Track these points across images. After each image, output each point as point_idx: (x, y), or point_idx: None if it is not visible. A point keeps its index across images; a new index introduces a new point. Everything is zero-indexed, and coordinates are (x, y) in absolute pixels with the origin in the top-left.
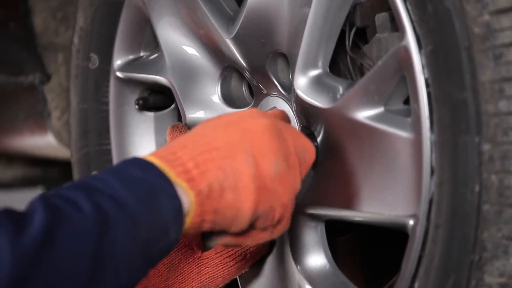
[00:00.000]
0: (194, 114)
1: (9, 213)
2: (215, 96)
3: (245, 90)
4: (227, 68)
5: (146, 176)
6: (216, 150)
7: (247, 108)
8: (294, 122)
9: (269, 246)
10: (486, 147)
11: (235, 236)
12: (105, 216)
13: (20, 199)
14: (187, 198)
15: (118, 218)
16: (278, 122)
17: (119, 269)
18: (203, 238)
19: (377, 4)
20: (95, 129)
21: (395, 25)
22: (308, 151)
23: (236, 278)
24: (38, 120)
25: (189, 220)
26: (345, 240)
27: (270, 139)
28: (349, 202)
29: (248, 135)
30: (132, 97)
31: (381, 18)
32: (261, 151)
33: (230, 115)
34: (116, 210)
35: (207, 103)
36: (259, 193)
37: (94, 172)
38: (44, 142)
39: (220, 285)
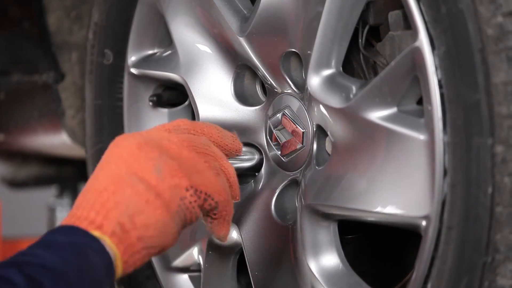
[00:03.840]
0: (207, 111)
1: None
2: (228, 94)
3: (258, 88)
4: (240, 66)
5: (71, 239)
6: (105, 191)
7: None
8: (307, 121)
9: None
10: (499, 149)
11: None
12: (40, 286)
13: (34, 198)
14: (107, 244)
15: (53, 285)
16: (151, 133)
17: None
18: None
19: (390, 1)
20: (110, 125)
21: (408, 23)
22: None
23: (250, 278)
24: (52, 119)
25: (120, 263)
26: (357, 239)
27: (140, 151)
28: (362, 202)
29: (120, 160)
30: (146, 93)
31: (394, 16)
32: (139, 166)
33: (107, 150)
34: (50, 278)
35: (220, 101)
36: (161, 198)
37: None
38: (58, 141)
39: None
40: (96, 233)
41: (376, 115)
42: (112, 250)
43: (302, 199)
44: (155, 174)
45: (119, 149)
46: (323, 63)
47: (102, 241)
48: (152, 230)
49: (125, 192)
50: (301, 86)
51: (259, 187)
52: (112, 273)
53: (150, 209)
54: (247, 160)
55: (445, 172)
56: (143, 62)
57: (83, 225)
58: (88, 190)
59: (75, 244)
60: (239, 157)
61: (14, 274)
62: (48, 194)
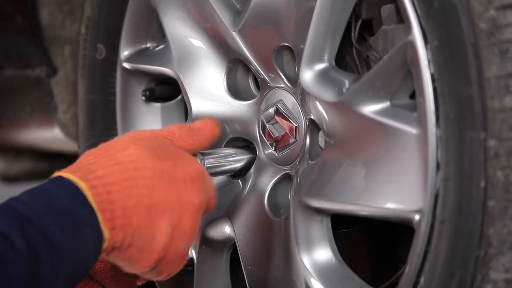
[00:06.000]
0: (200, 106)
1: None
2: (221, 89)
3: (251, 82)
4: (233, 60)
5: (73, 206)
6: (147, 200)
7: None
8: (300, 115)
9: None
10: (491, 143)
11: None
12: (37, 256)
13: None
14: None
15: (49, 257)
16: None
17: None
18: None
19: None
20: (102, 119)
21: (401, 17)
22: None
23: (243, 273)
24: (45, 113)
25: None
26: (350, 233)
27: (152, 163)
28: (354, 196)
29: (178, 190)
30: (139, 88)
31: (387, 9)
32: (183, 225)
33: (171, 155)
34: (47, 249)
35: (213, 95)
36: (157, 262)
37: None
38: (51, 136)
39: None
40: (103, 228)
41: (369, 109)
42: (103, 231)
43: (295, 194)
44: (181, 248)
45: (185, 176)
46: (316, 57)
47: (96, 214)
48: (126, 265)
49: (152, 230)
50: (294, 80)
51: (252, 182)
52: (99, 251)
53: (143, 260)
54: (238, 161)
55: (438, 166)
56: (136, 56)
57: (103, 213)
58: (138, 179)
59: (75, 213)
60: (230, 158)
61: (15, 235)
62: None
